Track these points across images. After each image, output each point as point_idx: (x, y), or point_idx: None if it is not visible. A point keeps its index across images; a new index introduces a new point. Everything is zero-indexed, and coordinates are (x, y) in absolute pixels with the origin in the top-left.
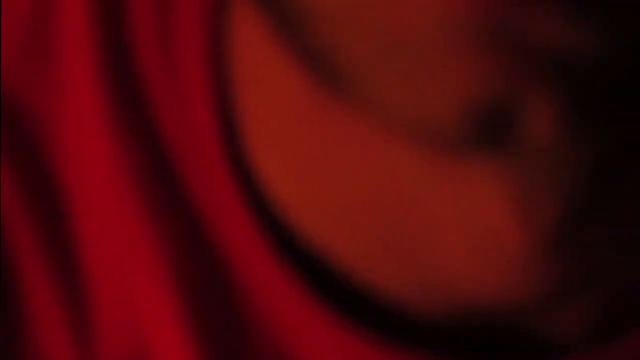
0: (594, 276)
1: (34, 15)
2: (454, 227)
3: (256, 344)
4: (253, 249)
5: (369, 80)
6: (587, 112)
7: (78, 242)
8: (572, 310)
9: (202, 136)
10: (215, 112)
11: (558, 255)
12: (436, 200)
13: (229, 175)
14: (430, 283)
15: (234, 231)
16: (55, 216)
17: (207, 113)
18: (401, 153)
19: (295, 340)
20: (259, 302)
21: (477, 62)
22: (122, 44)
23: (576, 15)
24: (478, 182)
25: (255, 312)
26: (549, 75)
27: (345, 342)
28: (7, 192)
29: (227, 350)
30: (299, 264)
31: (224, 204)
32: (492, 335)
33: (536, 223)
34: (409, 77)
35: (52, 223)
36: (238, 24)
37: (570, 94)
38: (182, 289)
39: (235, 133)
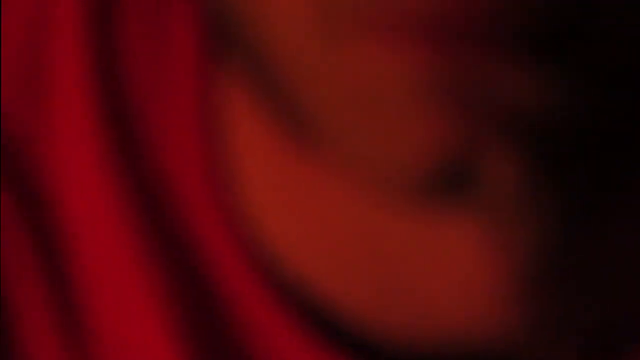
0: (576, 309)
1: (28, 43)
2: (432, 272)
3: None
4: (246, 285)
5: (338, 134)
6: (552, 165)
7: (73, 268)
8: (558, 342)
9: (193, 174)
10: (205, 154)
11: (536, 292)
12: (413, 247)
13: (220, 213)
14: (418, 321)
15: (226, 267)
16: (50, 242)
17: (198, 154)
18: (376, 202)
19: None
20: (252, 336)
21: (436, 116)
22: (115, 75)
23: (540, 74)
24: (451, 229)
25: (247, 345)
26: (509, 131)
27: None
28: (3, 219)
29: None
30: (290, 299)
31: (216, 240)
32: None
33: (510, 265)
34: (374, 130)
35: (47, 249)
36: (224, 80)
37: (533, 149)
38: (174, 322)
39: (224, 174)
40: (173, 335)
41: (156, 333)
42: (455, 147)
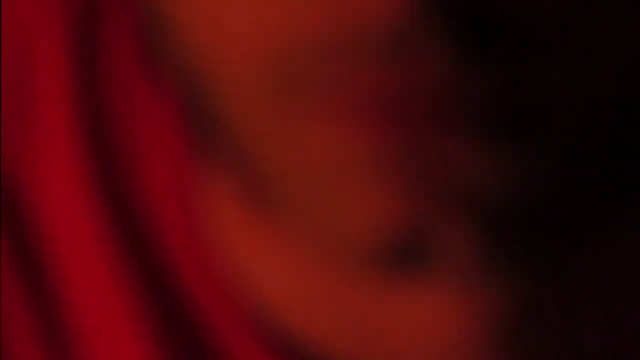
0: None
1: (12, 77)
2: (401, 334)
3: None
4: (226, 326)
5: (298, 205)
6: (509, 235)
7: (58, 299)
8: None
9: (173, 213)
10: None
11: (504, 351)
12: (381, 311)
13: (198, 256)
14: None
15: (218, 316)
16: (34, 269)
17: (179, 194)
18: (342, 268)
19: None
20: None
21: (392, 192)
22: (100, 109)
23: (496, 153)
24: (416, 295)
25: None
26: (466, 206)
27: None
28: None
29: None
30: (270, 342)
31: (194, 279)
32: None
33: (476, 328)
34: (333, 203)
35: (37, 283)
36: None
37: (489, 222)
38: (154, 353)
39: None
40: None
41: None
42: (410, 221)
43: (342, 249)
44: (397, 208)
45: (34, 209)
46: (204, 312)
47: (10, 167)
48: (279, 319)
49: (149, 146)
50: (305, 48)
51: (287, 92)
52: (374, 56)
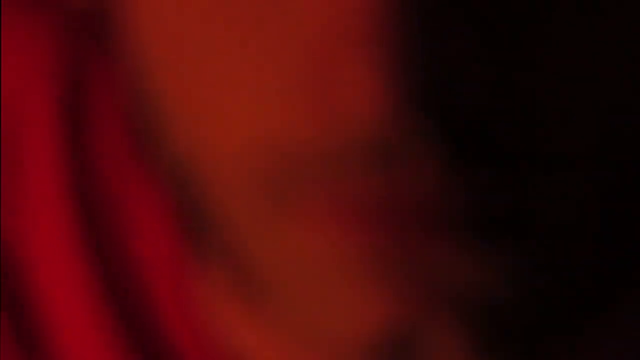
0: None
1: (3, 151)
2: None
3: None
4: None
5: (285, 302)
6: (495, 335)
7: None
8: None
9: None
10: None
11: None
12: None
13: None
14: None
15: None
16: (28, 335)
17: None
18: None
19: None
20: None
21: (378, 295)
22: (88, 168)
23: (480, 257)
24: None
25: None
26: (450, 307)
27: None
28: None
29: None
30: None
31: (181, 341)
32: None
33: None
34: (320, 303)
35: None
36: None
37: (475, 324)
38: None
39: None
40: None
41: None
42: (398, 325)
43: (331, 350)
44: (386, 312)
45: (25, 273)
46: None
47: (2, 233)
48: None
49: (139, 220)
50: (294, 154)
51: (275, 195)
52: (361, 163)
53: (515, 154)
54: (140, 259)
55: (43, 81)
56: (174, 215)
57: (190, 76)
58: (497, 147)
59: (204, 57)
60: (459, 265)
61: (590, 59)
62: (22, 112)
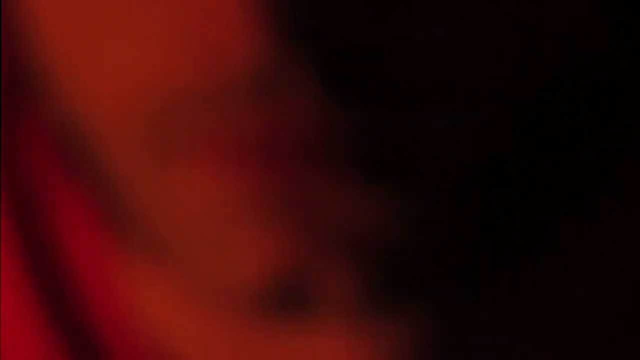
0: None
1: None
2: None
3: None
4: None
5: (179, 253)
6: (392, 274)
7: None
8: None
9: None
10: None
11: None
12: (281, 358)
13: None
14: None
15: None
16: None
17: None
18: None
19: None
20: None
21: (267, 236)
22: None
23: (369, 193)
24: (314, 340)
25: None
26: (340, 247)
27: None
28: None
29: None
30: None
31: (124, 347)
32: None
33: None
34: (210, 249)
35: None
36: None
37: (369, 263)
38: None
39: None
40: None
41: None
42: (289, 266)
43: (227, 297)
44: (275, 254)
45: None
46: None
47: None
48: None
49: (67, 219)
50: (173, 93)
51: (159, 143)
52: (240, 100)
53: (400, 90)
54: (67, 255)
55: None
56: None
57: (69, 25)
58: (381, 84)
59: (83, 6)
60: (348, 205)
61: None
62: None
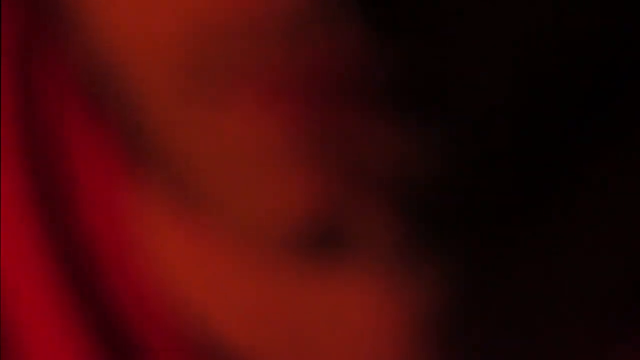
0: (486, 353)
1: None
2: (331, 325)
3: None
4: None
5: (219, 195)
6: (430, 218)
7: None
8: None
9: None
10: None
11: (440, 338)
12: (307, 302)
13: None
14: None
15: (148, 330)
16: None
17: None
18: (265, 260)
19: None
20: None
21: (304, 174)
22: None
23: (409, 129)
24: (342, 282)
25: None
26: (376, 188)
27: None
28: None
29: None
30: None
31: (140, 307)
32: None
33: (408, 313)
34: (249, 188)
35: None
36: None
37: (407, 205)
38: None
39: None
40: None
41: None
42: (325, 206)
43: (260, 238)
44: (311, 193)
45: None
46: (134, 327)
47: None
48: (206, 320)
49: (85, 168)
50: (213, 32)
51: (198, 81)
52: (281, 37)
53: (436, 23)
54: (86, 215)
55: None
56: (118, 150)
57: None
58: (416, 16)
59: None
60: (385, 144)
61: None
62: None
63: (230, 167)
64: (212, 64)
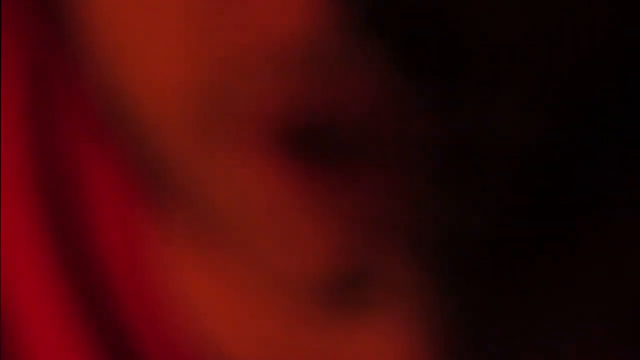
0: None
1: None
2: None
3: None
4: None
5: (242, 239)
6: (452, 265)
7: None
8: None
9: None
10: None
11: None
12: (329, 350)
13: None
14: None
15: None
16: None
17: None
18: (289, 306)
19: None
20: None
21: (319, 228)
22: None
23: (435, 181)
24: (368, 330)
25: None
26: (404, 240)
27: None
28: None
29: None
30: None
31: (157, 335)
32: None
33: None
34: (271, 238)
35: None
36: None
37: (432, 255)
38: None
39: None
40: None
41: None
42: (345, 258)
43: (282, 288)
44: (330, 247)
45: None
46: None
47: None
48: (225, 356)
49: (100, 195)
50: (229, 69)
51: (214, 119)
52: (294, 74)
53: (472, 70)
54: (103, 245)
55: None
56: (134, 182)
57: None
58: (452, 63)
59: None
60: (412, 194)
61: None
62: None
63: (247, 213)
64: (229, 102)
